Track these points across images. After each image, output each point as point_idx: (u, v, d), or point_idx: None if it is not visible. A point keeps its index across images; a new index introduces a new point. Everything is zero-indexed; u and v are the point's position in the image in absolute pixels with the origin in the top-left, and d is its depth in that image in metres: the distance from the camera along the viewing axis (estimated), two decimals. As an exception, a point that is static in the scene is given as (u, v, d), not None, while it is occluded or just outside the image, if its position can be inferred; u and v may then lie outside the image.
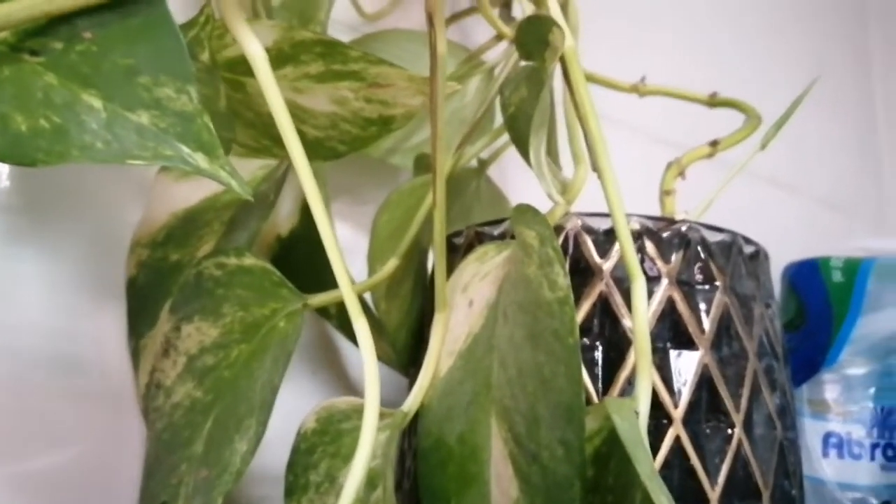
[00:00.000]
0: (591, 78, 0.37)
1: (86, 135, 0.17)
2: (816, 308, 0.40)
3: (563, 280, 0.18)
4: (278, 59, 0.25)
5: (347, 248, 0.35)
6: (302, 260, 0.31)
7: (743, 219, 0.48)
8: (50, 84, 0.18)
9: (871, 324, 0.39)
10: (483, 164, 0.37)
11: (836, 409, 0.39)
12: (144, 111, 0.18)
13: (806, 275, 0.41)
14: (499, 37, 0.36)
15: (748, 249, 0.26)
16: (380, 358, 0.24)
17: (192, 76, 0.18)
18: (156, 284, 0.30)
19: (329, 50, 0.24)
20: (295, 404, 0.27)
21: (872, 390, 0.39)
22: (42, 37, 0.18)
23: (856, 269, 0.40)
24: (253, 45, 0.19)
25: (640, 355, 0.19)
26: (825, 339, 0.40)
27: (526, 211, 0.22)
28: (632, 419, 0.17)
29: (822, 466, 0.39)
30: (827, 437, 0.39)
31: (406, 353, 0.30)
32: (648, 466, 0.15)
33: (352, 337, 0.31)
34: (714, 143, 0.33)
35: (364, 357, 0.21)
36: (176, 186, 0.29)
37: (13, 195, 0.29)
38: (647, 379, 0.19)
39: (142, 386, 0.29)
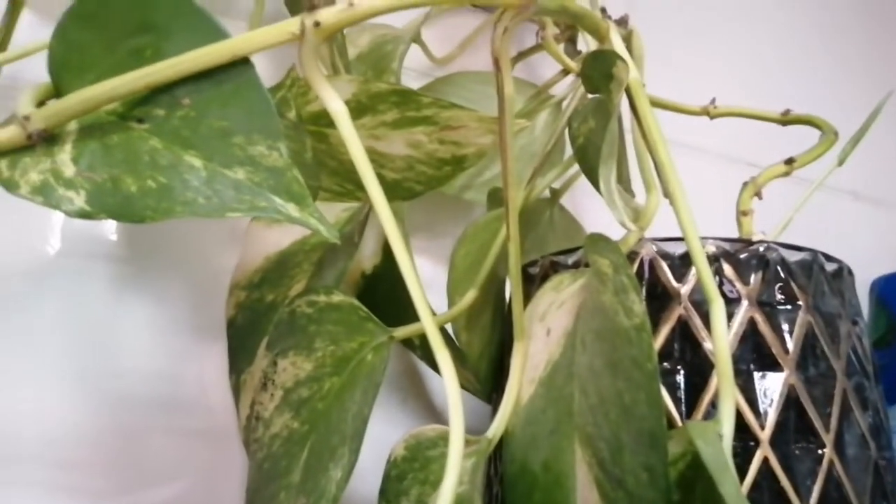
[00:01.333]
0: (660, 103, 0.38)
1: (188, 192, 0.19)
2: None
3: (639, 307, 0.19)
4: (357, 110, 0.26)
5: (427, 281, 0.36)
6: (386, 295, 0.32)
7: (827, 235, 0.47)
8: (155, 148, 0.20)
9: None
10: (556, 194, 0.37)
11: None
12: (240, 168, 0.19)
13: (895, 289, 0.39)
14: (565, 71, 0.37)
15: (830, 267, 0.25)
16: (463, 386, 0.25)
17: (280, 134, 0.19)
18: (253, 323, 0.32)
19: (403, 98, 0.26)
20: (385, 432, 0.28)
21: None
22: (146, 105, 0.20)
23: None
24: (334, 101, 0.20)
25: (721, 378, 0.19)
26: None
27: (599, 240, 0.23)
28: (715, 442, 0.17)
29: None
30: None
31: (488, 381, 0.30)
32: (734, 489, 0.16)
33: (436, 367, 0.32)
34: (790, 161, 0.32)
35: (447, 387, 0.21)
36: (268, 232, 0.31)
37: (119, 247, 0.32)
38: (731, 401, 0.19)
39: (243, 419, 0.31)
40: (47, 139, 0.20)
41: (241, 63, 0.19)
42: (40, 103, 0.21)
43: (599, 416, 0.20)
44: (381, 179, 0.27)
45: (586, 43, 0.36)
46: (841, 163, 0.32)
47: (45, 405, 0.29)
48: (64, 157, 0.20)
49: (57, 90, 0.22)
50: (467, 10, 0.43)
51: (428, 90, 0.37)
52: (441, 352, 0.21)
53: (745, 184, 0.32)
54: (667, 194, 0.23)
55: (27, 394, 0.29)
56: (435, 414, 0.36)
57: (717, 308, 0.20)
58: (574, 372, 0.22)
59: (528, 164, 0.36)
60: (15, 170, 0.20)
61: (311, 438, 0.26)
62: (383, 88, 0.26)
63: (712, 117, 0.37)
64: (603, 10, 0.37)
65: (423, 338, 0.31)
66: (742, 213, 0.31)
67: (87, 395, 0.30)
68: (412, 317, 0.25)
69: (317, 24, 0.19)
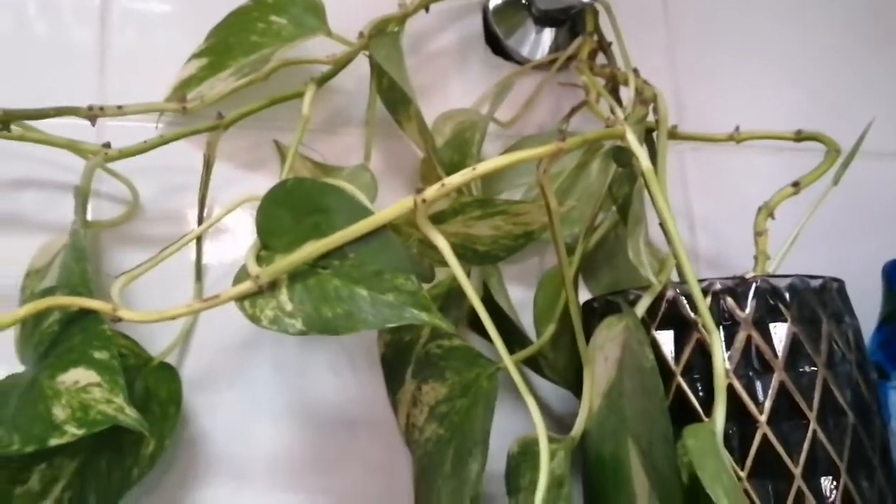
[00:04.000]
0: (691, 136, 0.46)
1: (362, 313, 0.31)
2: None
3: (651, 355, 0.29)
4: (453, 213, 0.37)
5: (519, 301, 0.46)
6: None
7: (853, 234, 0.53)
8: (337, 285, 0.31)
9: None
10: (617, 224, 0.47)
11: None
12: (390, 293, 0.31)
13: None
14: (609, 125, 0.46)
15: (815, 283, 0.34)
16: (556, 382, 0.36)
17: (411, 269, 0.31)
18: (398, 357, 0.44)
19: (483, 203, 0.36)
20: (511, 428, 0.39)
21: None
22: (326, 259, 0.32)
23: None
24: (439, 239, 0.31)
25: (717, 390, 0.29)
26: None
27: (626, 303, 0.33)
28: (706, 437, 0.27)
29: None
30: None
31: (575, 384, 0.41)
32: (713, 470, 0.26)
33: (543, 375, 0.43)
34: (796, 184, 0.40)
35: (529, 406, 0.32)
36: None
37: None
38: (722, 405, 0.29)
39: (402, 426, 0.43)
40: (270, 287, 0.32)
41: (381, 228, 0.31)
42: (257, 255, 0.34)
43: (639, 422, 0.30)
44: (475, 252, 0.39)
45: (629, 95, 0.44)
46: (836, 182, 0.40)
47: (264, 434, 0.42)
48: (283, 297, 0.32)
49: (264, 246, 0.34)
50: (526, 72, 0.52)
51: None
52: (523, 387, 0.32)
53: (760, 208, 0.41)
54: (675, 255, 0.33)
55: (255, 427, 0.42)
56: (551, 416, 0.46)
57: (715, 336, 0.30)
58: (623, 390, 0.32)
59: (588, 202, 0.46)
60: (255, 308, 0.32)
61: (453, 442, 0.38)
62: (469, 200, 0.36)
63: (738, 142, 0.45)
64: (635, 71, 0.46)
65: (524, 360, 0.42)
66: (758, 234, 0.40)
67: (290, 422, 0.43)
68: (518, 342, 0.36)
69: (423, 200, 0.30)
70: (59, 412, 0.31)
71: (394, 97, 0.44)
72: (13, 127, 0.38)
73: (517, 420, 0.41)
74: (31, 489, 0.36)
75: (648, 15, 0.58)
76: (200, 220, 0.42)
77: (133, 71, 0.46)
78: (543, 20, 0.54)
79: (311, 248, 0.31)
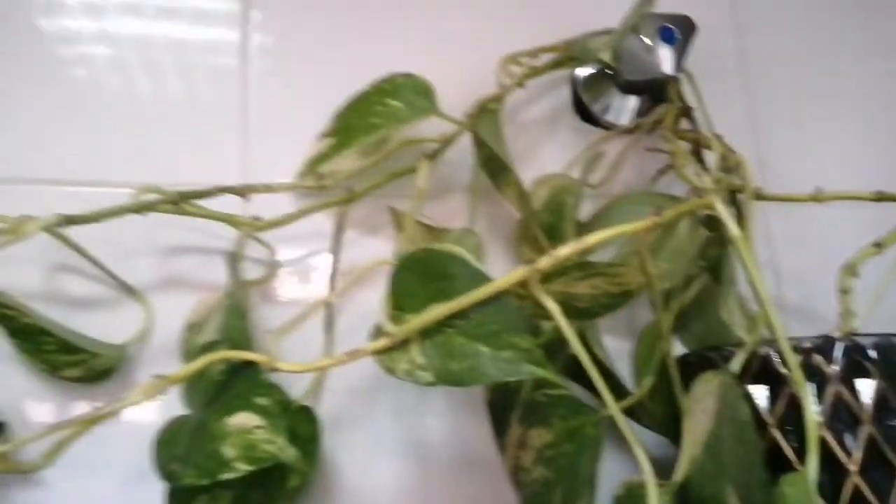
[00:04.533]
0: (775, 197, 0.49)
1: (484, 367, 0.35)
2: None
3: (746, 409, 0.32)
4: (556, 273, 0.42)
5: (617, 350, 0.50)
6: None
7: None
8: (461, 342, 0.36)
9: None
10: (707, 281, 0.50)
11: None
12: (507, 350, 0.35)
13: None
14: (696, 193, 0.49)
15: (900, 340, 0.37)
16: (657, 431, 0.39)
17: (525, 329, 0.35)
18: (504, 403, 0.48)
19: (584, 265, 0.41)
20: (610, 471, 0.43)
21: None
22: (451, 318, 0.37)
23: None
24: (549, 303, 0.35)
25: (809, 440, 0.33)
26: None
27: (722, 363, 0.36)
28: (801, 484, 0.31)
29: None
30: None
31: (672, 431, 0.44)
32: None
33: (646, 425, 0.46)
34: (878, 245, 0.43)
35: (637, 452, 0.36)
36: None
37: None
38: (815, 455, 0.32)
39: (509, 467, 0.47)
40: (403, 343, 0.37)
41: (500, 293, 0.35)
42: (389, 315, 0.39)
43: (737, 469, 0.34)
44: (576, 309, 0.43)
45: (714, 160, 0.48)
46: (879, 246, 0.42)
47: (389, 470, 0.47)
48: (415, 352, 0.37)
49: (398, 306, 0.39)
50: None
51: (598, 219, 0.52)
52: (630, 435, 0.36)
53: (843, 267, 0.43)
54: (768, 319, 0.36)
55: (380, 463, 0.47)
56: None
57: (806, 392, 0.33)
58: (722, 439, 0.35)
59: (679, 260, 0.50)
60: (392, 362, 0.37)
61: (560, 484, 0.42)
62: (571, 262, 0.41)
63: (821, 201, 0.48)
64: (718, 136, 0.50)
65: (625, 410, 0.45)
66: (842, 292, 0.43)
67: (408, 460, 0.48)
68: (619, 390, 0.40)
69: (538, 271, 0.35)
70: (229, 451, 0.37)
71: (494, 166, 0.49)
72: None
73: (614, 464, 0.44)
74: (196, 516, 0.42)
75: (728, 76, 0.62)
76: (332, 280, 0.48)
77: (270, 136, 0.53)
78: (628, 89, 0.58)
79: (440, 310, 0.36)
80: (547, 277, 0.41)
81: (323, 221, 0.50)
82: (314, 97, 0.54)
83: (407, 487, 0.47)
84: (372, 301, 0.48)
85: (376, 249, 0.52)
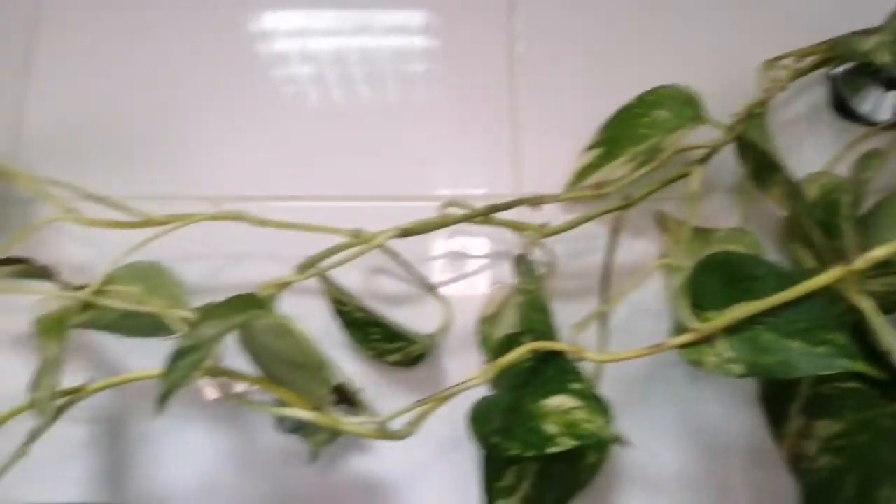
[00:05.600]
0: None
1: (796, 362, 0.38)
2: None
3: None
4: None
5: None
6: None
7: None
8: (769, 339, 0.39)
9: None
10: None
11: None
12: (822, 346, 0.38)
13: None
14: None
15: None
16: None
17: (835, 325, 0.38)
18: (781, 394, 0.50)
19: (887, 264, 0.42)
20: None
21: None
22: (757, 316, 0.40)
23: None
24: (865, 302, 0.38)
25: None
26: None
27: None
28: None
29: None
30: None
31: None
32: None
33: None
34: None
35: None
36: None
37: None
38: None
39: (786, 455, 0.50)
40: (709, 338, 0.41)
41: (809, 294, 0.38)
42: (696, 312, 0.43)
43: None
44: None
45: None
46: None
47: (668, 455, 0.51)
48: (722, 347, 0.41)
49: (697, 304, 0.43)
50: None
51: (876, 216, 0.52)
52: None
53: None
54: None
55: (660, 449, 0.51)
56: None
57: None
58: None
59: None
60: (699, 355, 0.41)
61: (853, 471, 0.44)
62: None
63: None
64: None
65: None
66: None
67: (686, 445, 0.52)
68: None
69: (854, 271, 0.37)
70: (551, 427, 0.43)
71: (761, 167, 0.52)
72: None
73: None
74: (506, 484, 0.48)
75: None
76: (606, 279, 0.52)
77: (529, 146, 0.58)
78: (890, 84, 0.58)
79: (748, 308, 0.40)
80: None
81: (589, 225, 0.55)
82: (574, 109, 0.59)
83: (689, 473, 0.51)
84: (635, 298, 0.52)
85: (640, 250, 0.56)
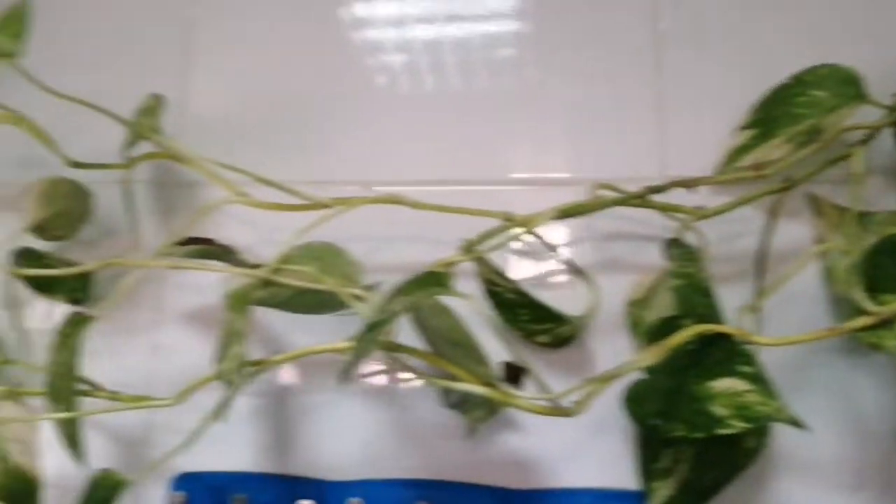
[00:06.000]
0: None
1: None
2: None
3: None
4: None
5: None
6: None
7: None
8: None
9: None
10: None
11: None
12: None
13: None
14: None
15: None
16: None
17: None
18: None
19: None
20: None
21: None
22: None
23: None
24: None
25: None
26: None
27: None
28: None
29: None
30: None
31: None
32: None
33: None
34: None
35: None
36: None
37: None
38: None
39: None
40: (887, 320, 0.40)
41: None
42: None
43: None
44: None
45: None
46: None
47: (825, 441, 0.50)
48: (904, 331, 0.40)
49: (872, 287, 0.42)
50: None
51: None
52: None
53: None
54: None
55: (816, 435, 0.51)
56: None
57: None
58: None
59: None
60: (878, 339, 0.40)
61: None
62: None
63: None
64: None
65: None
66: None
67: (843, 432, 0.51)
68: None
69: None
70: (720, 410, 0.43)
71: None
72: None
73: None
74: (663, 466, 0.49)
75: None
76: (762, 263, 0.52)
77: (674, 126, 0.58)
78: None
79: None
80: None
81: (742, 208, 0.54)
82: (719, 89, 0.58)
83: (846, 459, 0.50)
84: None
85: (793, 234, 0.55)
